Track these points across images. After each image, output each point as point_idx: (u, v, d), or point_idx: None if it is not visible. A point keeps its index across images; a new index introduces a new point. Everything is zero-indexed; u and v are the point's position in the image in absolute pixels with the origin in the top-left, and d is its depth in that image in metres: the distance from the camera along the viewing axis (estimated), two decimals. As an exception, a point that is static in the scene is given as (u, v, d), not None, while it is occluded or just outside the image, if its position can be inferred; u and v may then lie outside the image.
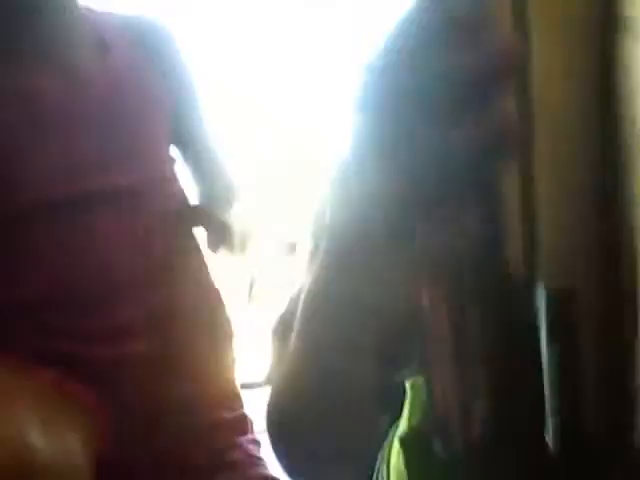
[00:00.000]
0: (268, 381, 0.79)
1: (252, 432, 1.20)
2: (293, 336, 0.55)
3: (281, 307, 0.82)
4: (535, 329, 0.39)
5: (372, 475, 0.59)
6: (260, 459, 1.16)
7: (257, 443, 1.19)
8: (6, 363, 1.01)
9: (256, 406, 1.24)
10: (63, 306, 1.07)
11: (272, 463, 1.16)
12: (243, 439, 1.17)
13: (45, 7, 1.09)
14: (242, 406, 1.21)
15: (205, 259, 1.22)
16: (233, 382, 1.21)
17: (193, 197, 1.26)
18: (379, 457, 0.59)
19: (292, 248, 1.28)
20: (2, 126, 1.05)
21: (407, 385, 0.54)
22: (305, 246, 0.78)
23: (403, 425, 0.55)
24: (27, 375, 1.01)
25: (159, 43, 1.21)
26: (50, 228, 1.06)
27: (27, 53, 1.08)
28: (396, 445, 0.56)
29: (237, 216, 1.23)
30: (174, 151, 1.24)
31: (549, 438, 0.40)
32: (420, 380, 0.53)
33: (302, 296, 0.56)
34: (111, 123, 1.11)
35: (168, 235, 1.16)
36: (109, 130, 1.11)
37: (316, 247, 0.68)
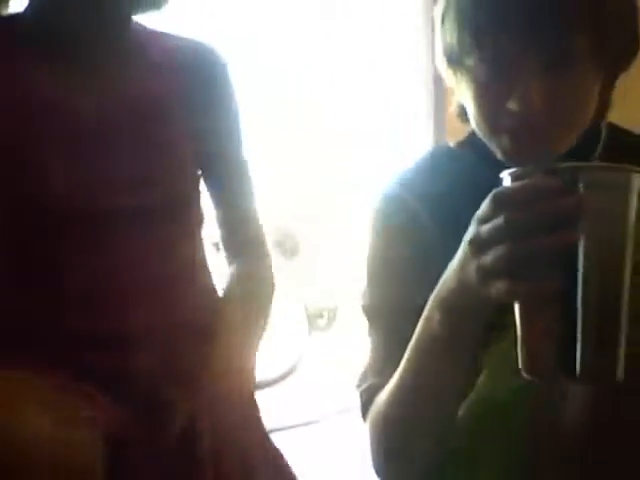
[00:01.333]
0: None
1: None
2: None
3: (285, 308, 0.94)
4: None
5: None
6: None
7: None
8: (9, 372, 1.02)
9: (267, 404, 1.26)
10: (78, 315, 1.08)
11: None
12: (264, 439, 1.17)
13: (103, 23, 1.08)
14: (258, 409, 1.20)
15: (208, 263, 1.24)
16: (251, 382, 1.20)
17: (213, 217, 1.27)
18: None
19: (295, 249, 1.29)
20: (32, 137, 1.05)
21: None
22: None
23: None
24: (32, 379, 1.03)
25: (208, 74, 1.18)
26: (71, 237, 1.07)
27: (72, 64, 1.07)
28: None
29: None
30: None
31: None
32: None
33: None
34: (139, 142, 1.11)
35: (184, 249, 1.17)
36: (136, 149, 1.11)
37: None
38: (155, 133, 1.13)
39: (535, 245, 0.65)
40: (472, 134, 1.02)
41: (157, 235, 1.13)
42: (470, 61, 0.89)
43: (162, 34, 1.18)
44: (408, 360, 0.86)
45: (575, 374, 0.65)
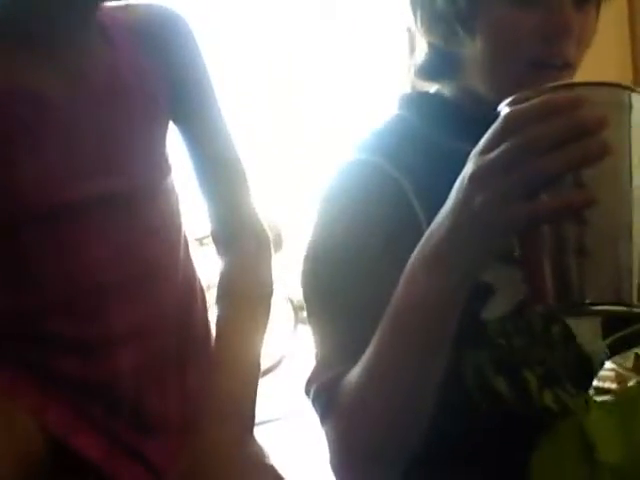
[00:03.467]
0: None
1: None
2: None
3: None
4: None
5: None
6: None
7: None
8: None
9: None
10: (57, 313, 1.06)
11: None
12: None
13: (67, 14, 1.02)
14: None
15: (191, 256, 1.21)
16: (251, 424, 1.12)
17: (191, 204, 1.20)
18: None
19: (278, 242, 1.27)
20: (6, 126, 1.01)
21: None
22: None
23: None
24: None
25: (168, 37, 1.12)
26: (43, 232, 1.03)
27: (33, 50, 1.03)
28: None
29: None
30: (180, 158, 1.17)
31: None
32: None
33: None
34: (109, 126, 1.07)
35: (161, 240, 1.13)
36: (106, 133, 1.06)
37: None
38: (122, 120, 1.08)
39: (563, 159, 0.62)
40: (408, 101, 1.01)
41: (133, 227, 1.09)
42: None
43: (122, 8, 1.11)
44: (385, 335, 0.78)
45: (588, 299, 0.64)
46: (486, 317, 0.87)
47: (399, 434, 0.80)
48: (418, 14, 0.96)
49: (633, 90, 0.64)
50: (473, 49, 0.92)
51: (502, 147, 0.64)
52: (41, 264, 1.05)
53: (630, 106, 0.64)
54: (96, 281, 1.06)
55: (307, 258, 0.93)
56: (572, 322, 0.96)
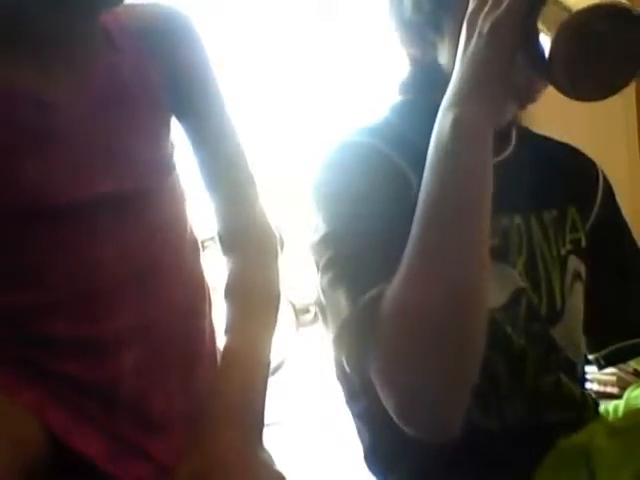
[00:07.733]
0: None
1: None
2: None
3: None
4: None
5: None
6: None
7: None
8: None
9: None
10: (59, 312, 1.05)
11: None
12: None
13: (68, 5, 1.02)
14: None
15: (198, 254, 1.21)
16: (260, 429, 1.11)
17: (196, 204, 1.20)
18: None
19: (280, 243, 1.26)
20: (9, 129, 1.02)
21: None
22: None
23: None
24: None
25: (173, 37, 1.13)
26: (47, 232, 1.04)
27: (35, 53, 1.03)
28: None
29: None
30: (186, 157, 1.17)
31: None
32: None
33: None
34: (111, 128, 1.07)
35: (165, 239, 1.13)
36: (109, 135, 1.06)
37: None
38: (125, 121, 1.08)
39: None
40: (397, 108, 1.04)
41: (137, 226, 1.09)
42: None
43: (126, 9, 1.09)
44: (424, 207, 0.81)
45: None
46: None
47: (457, 314, 0.79)
48: (393, 24, 1.00)
49: None
50: (447, 56, 0.95)
51: None
52: (44, 263, 1.05)
53: None
54: (99, 280, 1.06)
55: (324, 240, 0.98)
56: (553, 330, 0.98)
